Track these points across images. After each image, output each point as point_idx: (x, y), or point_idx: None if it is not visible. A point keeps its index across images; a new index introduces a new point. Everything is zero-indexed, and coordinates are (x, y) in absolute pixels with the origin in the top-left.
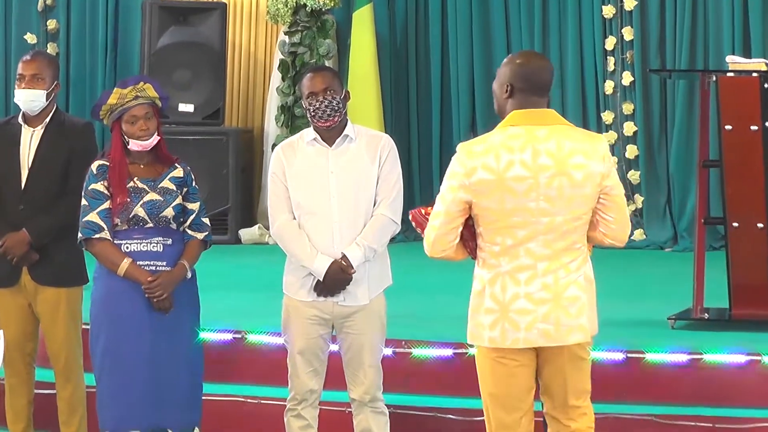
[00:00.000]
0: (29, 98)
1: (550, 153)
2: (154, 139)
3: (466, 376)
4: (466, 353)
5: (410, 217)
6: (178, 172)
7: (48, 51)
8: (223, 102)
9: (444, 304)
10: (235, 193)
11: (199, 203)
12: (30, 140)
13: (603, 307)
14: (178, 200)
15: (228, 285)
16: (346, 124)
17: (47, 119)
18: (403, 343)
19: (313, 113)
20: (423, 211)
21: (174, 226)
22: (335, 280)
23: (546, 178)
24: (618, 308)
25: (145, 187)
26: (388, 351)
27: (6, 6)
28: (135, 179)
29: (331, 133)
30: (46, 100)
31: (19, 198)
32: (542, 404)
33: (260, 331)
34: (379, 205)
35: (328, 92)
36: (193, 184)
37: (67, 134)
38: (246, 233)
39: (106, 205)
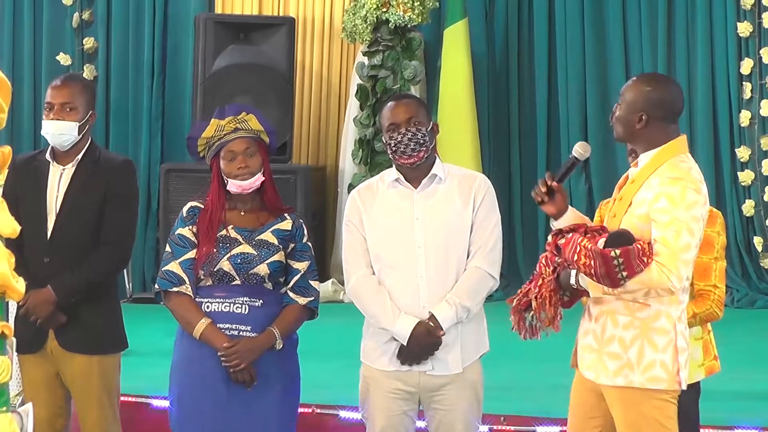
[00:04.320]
0: (58, 131)
1: None
2: (257, 180)
3: None
4: None
5: (569, 252)
6: (286, 224)
7: (83, 74)
8: (290, 135)
9: (548, 374)
10: None
11: (308, 263)
12: (59, 180)
13: (737, 377)
14: (278, 256)
15: None
16: (434, 162)
17: (79, 156)
18: (502, 419)
19: (394, 148)
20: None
21: (269, 285)
22: (422, 344)
23: None
24: (754, 377)
25: (238, 237)
26: (485, 429)
27: (35, 21)
28: (229, 227)
29: (416, 173)
30: (79, 134)
31: (45, 248)
32: None
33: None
34: (473, 257)
35: (412, 123)
36: (304, 240)
37: (102, 174)
38: None
39: (191, 254)
